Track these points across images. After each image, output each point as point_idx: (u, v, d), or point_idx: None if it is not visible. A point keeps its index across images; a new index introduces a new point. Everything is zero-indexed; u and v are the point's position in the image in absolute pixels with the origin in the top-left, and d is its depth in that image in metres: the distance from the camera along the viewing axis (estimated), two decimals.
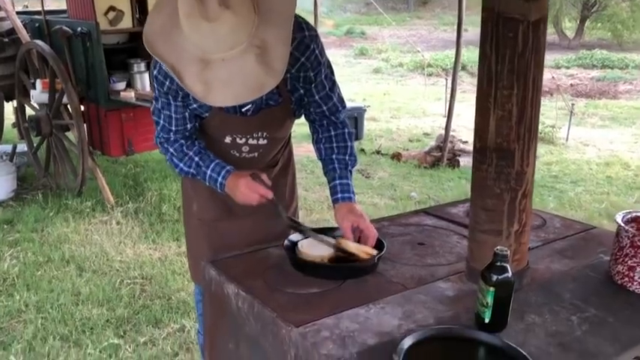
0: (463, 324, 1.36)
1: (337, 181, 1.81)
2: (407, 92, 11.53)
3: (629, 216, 1.64)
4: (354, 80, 12.75)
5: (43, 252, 3.78)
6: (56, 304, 3.08)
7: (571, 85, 12.16)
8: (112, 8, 4.63)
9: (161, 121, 1.77)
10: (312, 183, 5.46)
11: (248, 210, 1.91)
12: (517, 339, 1.29)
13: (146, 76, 4.77)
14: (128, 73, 4.82)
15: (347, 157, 1.85)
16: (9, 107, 5.89)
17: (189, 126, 1.77)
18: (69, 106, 4.69)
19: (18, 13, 5.50)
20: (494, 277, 1.29)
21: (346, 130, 1.89)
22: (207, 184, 1.78)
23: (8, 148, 5.61)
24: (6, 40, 5.30)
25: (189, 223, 2.02)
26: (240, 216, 1.92)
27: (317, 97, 1.81)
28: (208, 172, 1.75)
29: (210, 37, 1.41)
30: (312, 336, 1.29)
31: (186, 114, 1.74)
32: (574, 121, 7.87)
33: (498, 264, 1.30)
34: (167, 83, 1.67)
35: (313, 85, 1.77)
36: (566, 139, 7.28)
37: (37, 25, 5.19)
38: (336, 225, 1.76)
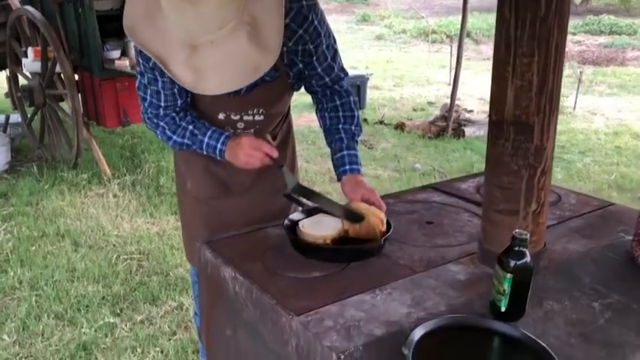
0: (477, 312, 1.26)
1: (345, 152, 1.72)
2: (410, 60, 11.34)
3: None
4: (356, 47, 12.54)
5: (38, 226, 3.70)
6: (51, 281, 3.01)
7: (578, 51, 11.92)
8: None
9: (148, 97, 1.64)
10: (313, 154, 5.35)
11: (246, 186, 1.82)
12: (535, 329, 1.20)
13: None
14: (123, 41, 4.68)
15: (353, 127, 1.76)
16: (2, 76, 5.75)
17: (179, 102, 1.64)
18: (62, 76, 4.56)
19: None
20: (513, 263, 1.19)
21: (351, 99, 1.79)
22: (205, 152, 1.66)
23: (1, 118, 5.49)
24: None
25: (183, 201, 1.91)
26: (236, 193, 1.82)
27: (319, 70, 1.70)
28: (205, 139, 1.63)
29: (194, 18, 1.27)
30: (314, 325, 1.20)
31: (175, 90, 1.61)
32: (581, 90, 7.71)
33: (517, 248, 1.20)
34: (153, 59, 1.53)
35: (315, 58, 1.66)
36: (574, 108, 7.13)
37: None
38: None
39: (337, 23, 14.74)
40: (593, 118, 6.92)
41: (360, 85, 6.94)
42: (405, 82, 9.21)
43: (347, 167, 1.70)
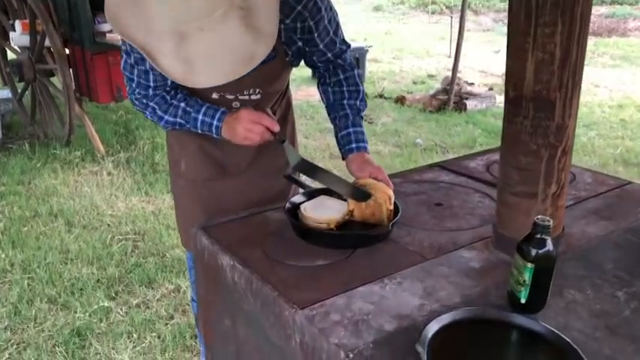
0: (494, 303, 1.18)
1: (351, 129, 1.63)
2: (409, 31, 11.14)
3: None
4: (353, 19, 12.29)
5: (30, 206, 3.60)
6: (43, 263, 2.92)
7: None
8: None
9: (135, 78, 1.51)
10: (313, 130, 5.23)
11: (243, 166, 1.72)
12: (557, 321, 1.11)
13: None
14: None
15: (359, 103, 1.67)
16: None
17: (169, 81, 1.52)
18: (52, 49, 4.40)
19: None
20: (534, 252, 1.10)
21: (355, 72, 1.70)
22: (200, 131, 1.54)
23: None
24: None
25: (178, 184, 1.80)
26: (233, 174, 1.72)
27: (321, 46, 1.60)
28: (199, 116, 1.52)
29: (181, 3, 1.15)
30: (319, 320, 1.11)
31: None
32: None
33: (539, 236, 1.11)
34: (139, 50, 1.40)
35: (316, 35, 1.55)
36: None
37: None
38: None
39: None
40: (596, 90, 6.79)
41: (358, 57, 6.79)
42: (404, 54, 9.03)
43: (353, 145, 1.61)
